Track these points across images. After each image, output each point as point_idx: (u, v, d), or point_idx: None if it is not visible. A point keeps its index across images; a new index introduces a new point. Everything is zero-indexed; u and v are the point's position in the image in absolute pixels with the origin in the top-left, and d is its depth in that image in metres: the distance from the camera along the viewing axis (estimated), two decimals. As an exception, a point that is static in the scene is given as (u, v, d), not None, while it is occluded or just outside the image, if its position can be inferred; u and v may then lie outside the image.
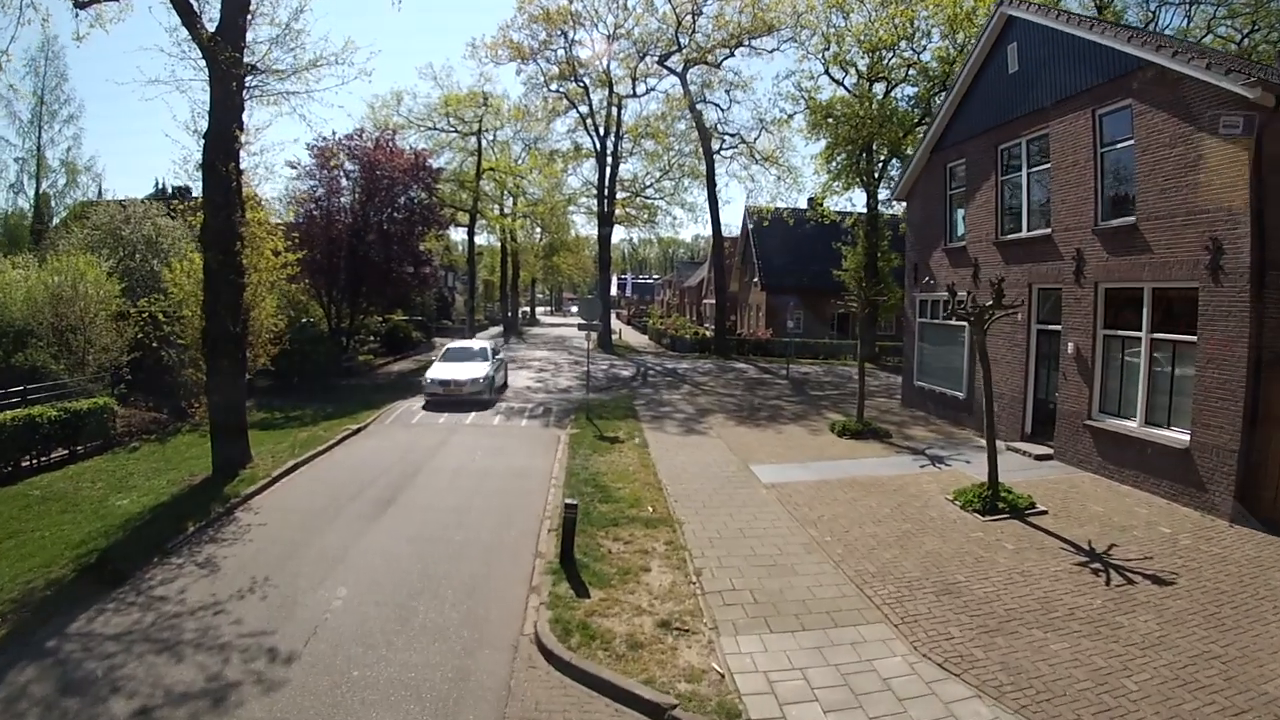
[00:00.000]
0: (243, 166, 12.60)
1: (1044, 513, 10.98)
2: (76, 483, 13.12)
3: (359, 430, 17.05)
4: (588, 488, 12.26)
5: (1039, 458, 14.37)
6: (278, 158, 59.89)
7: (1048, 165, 14.70)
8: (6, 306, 17.72)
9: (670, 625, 7.44)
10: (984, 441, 16.35)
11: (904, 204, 22.48)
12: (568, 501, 8.83)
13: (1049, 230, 14.55)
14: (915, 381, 20.29)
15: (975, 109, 17.55)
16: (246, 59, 12.41)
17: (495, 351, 23.98)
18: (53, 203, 29.84)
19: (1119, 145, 13.01)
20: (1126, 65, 12.48)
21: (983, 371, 12.13)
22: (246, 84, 12.60)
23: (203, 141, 12.20)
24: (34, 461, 14.02)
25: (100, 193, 31.95)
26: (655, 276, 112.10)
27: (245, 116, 12.56)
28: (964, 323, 13.56)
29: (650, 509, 11.25)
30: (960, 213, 18.36)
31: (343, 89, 67.60)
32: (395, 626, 7.45)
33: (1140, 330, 12.42)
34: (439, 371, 21.45)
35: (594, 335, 25.98)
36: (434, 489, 12.45)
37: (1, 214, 30.62)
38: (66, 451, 14.77)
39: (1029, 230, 15.42)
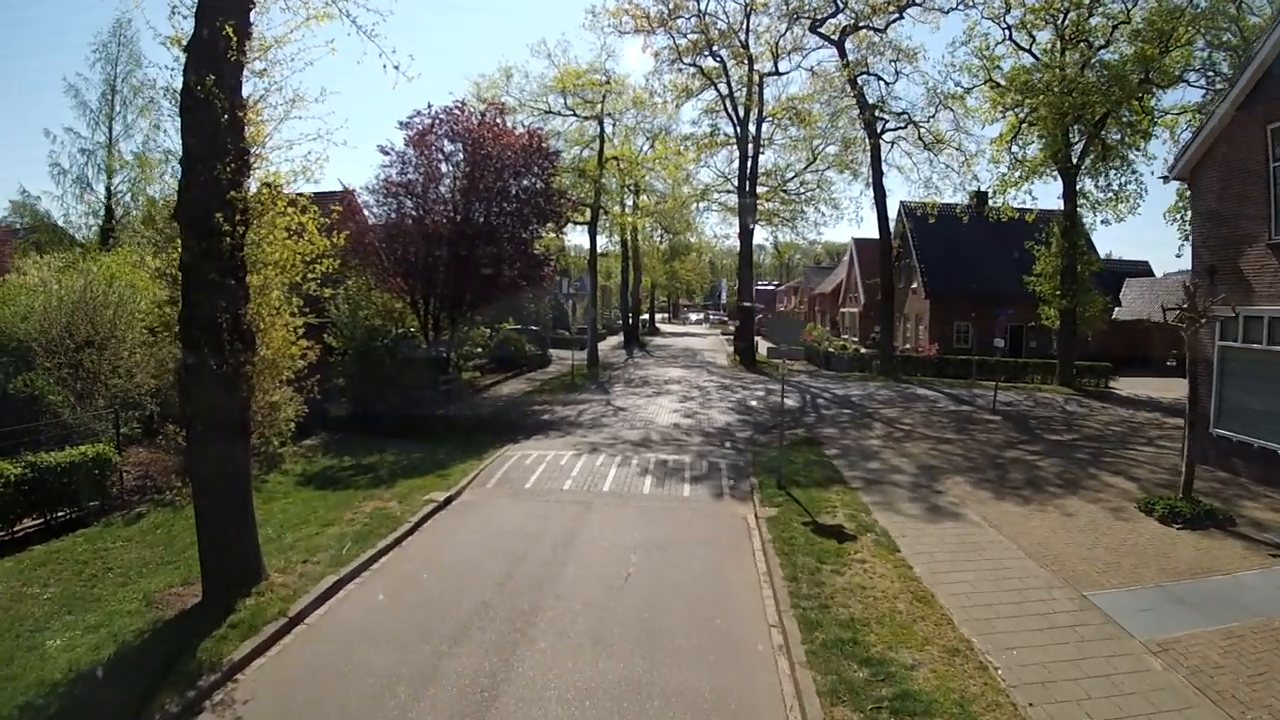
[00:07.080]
0: (245, 94, 7.47)
1: None
2: (24, 583, 8.72)
3: (449, 501, 11.71)
4: (853, 665, 6.39)
5: None
6: (308, 80, 54.36)
7: None
8: (13, 319, 13.78)
9: None
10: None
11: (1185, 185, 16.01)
12: None
13: None
14: (1214, 429, 14.42)
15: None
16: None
17: None
18: (126, 199, 26.72)
19: None
20: None
21: None
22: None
23: (183, 55, 7.19)
24: (-13, 541, 9.59)
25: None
26: (775, 283, 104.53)
27: (253, 16, 7.50)
28: None
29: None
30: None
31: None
32: None
33: None
34: None
35: (787, 364, 19.10)
36: (565, 660, 6.70)
37: (66, 215, 27.67)
38: (41, 521, 10.33)
39: None
